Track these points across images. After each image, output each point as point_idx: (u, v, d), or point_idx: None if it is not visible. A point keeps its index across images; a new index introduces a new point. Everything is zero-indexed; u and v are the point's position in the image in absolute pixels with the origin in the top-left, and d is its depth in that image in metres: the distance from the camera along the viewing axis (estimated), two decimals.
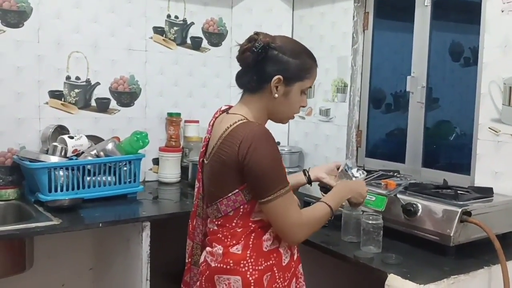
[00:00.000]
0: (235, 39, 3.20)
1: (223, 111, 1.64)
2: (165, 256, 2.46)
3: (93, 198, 2.40)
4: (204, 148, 1.64)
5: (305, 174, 1.91)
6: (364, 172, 1.90)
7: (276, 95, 1.52)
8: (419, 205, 1.85)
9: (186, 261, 1.73)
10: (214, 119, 1.64)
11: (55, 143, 2.43)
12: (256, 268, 1.48)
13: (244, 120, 1.50)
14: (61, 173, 2.32)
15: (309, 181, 1.91)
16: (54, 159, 2.35)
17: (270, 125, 1.59)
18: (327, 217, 1.58)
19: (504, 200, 1.96)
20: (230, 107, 1.64)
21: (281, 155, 1.53)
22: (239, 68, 1.59)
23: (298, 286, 1.61)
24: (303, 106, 1.64)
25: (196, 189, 1.70)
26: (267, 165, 1.43)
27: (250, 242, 1.50)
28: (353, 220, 1.93)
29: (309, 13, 3.09)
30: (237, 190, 1.48)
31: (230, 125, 1.48)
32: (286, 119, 1.63)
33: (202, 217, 1.69)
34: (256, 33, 1.54)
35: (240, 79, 1.59)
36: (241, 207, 1.49)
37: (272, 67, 1.50)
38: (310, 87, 1.61)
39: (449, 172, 2.41)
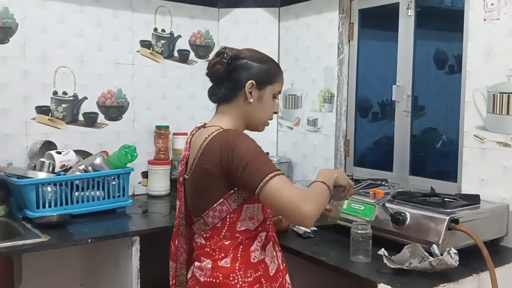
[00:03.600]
0: None
1: (199, 128, 1.66)
2: (156, 270, 2.44)
3: (82, 214, 2.38)
4: (183, 166, 1.64)
5: None
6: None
7: (251, 99, 1.57)
8: (407, 214, 1.86)
9: (170, 283, 1.71)
10: (191, 136, 1.65)
11: (42, 159, 2.41)
12: (246, 280, 1.48)
13: (221, 129, 1.52)
14: (49, 189, 2.31)
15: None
16: (42, 175, 2.34)
17: (257, 136, 1.60)
18: (326, 192, 1.51)
19: (491, 207, 1.98)
20: (205, 124, 1.66)
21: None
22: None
23: None
24: (276, 113, 1.67)
25: (177, 209, 1.69)
26: (249, 157, 1.43)
27: (239, 255, 1.50)
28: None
29: (295, 25, 3.11)
30: (221, 200, 1.49)
31: (208, 135, 1.50)
32: (262, 126, 1.66)
33: (184, 236, 1.67)
34: (224, 48, 1.61)
35: (213, 93, 1.63)
36: (228, 216, 1.50)
37: (243, 73, 1.57)
38: (280, 92, 1.67)
39: (436, 179, 2.43)
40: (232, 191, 1.49)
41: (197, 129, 1.66)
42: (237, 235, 1.52)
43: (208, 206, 1.51)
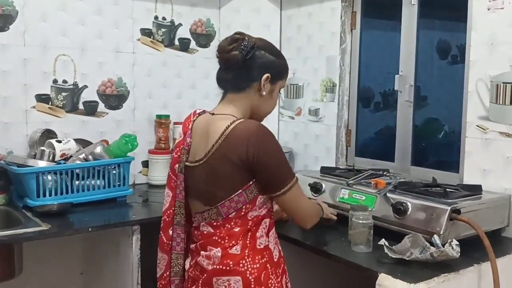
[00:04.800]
0: None
1: (199, 114, 1.64)
2: (156, 259, 2.44)
3: (82, 202, 2.38)
4: (179, 153, 1.61)
5: None
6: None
7: (264, 92, 1.58)
8: (409, 204, 1.86)
9: (163, 275, 1.67)
10: (191, 122, 1.63)
11: (42, 148, 2.41)
12: (254, 266, 1.50)
13: (240, 120, 1.51)
14: (49, 177, 2.30)
15: None
16: (42, 163, 2.33)
17: None
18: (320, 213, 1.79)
19: (493, 197, 1.98)
20: (204, 111, 1.64)
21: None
22: None
23: (287, 281, 1.63)
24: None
25: (169, 198, 1.65)
26: (277, 160, 1.51)
27: (247, 241, 1.52)
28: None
29: (297, 13, 3.09)
30: (240, 191, 1.49)
31: (230, 124, 1.48)
32: (264, 118, 1.68)
33: (183, 225, 1.64)
34: (240, 33, 1.58)
35: (224, 79, 1.60)
36: (243, 207, 1.51)
37: (261, 65, 1.56)
38: (284, 86, 1.70)
39: (438, 170, 2.42)
40: (251, 182, 1.50)
41: (197, 115, 1.64)
42: (248, 221, 1.52)
43: (226, 196, 1.50)
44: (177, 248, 1.65)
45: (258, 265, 1.50)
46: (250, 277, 1.48)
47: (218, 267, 1.49)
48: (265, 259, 1.53)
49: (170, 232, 1.65)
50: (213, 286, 1.50)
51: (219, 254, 1.50)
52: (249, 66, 1.55)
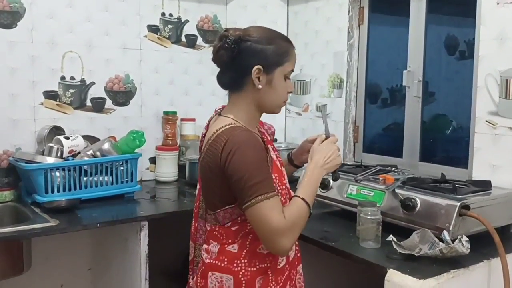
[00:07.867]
0: None
1: (217, 112, 1.60)
2: (164, 255, 2.46)
3: (90, 199, 2.39)
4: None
5: (290, 162, 1.83)
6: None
7: (260, 86, 1.48)
8: (418, 200, 1.85)
9: (193, 260, 1.70)
10: (210, 120, 1.62)
11: (50, 144, 2.42)
12: (249, 269, 1.46)
13: (230, 125, 1.45)
14: (57, 174, 2.31)
15: (296, 166, 1.83)
16: (50, 160, 2.34)
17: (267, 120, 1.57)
18: (307, 214, 1.46)
19: (503, 193, 1.96)
20: (223, 106, 1.60)
21: (273, 160, 1.51)
22: None
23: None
24: (290, 92, 1.57)
25: (198, 190, 1.67)
26: (244, 171, 1.36)
27: (247, 243, 1.47)
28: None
29: (304, 9, 3.07)
30: (233, 205, 1.45)
31: (217, 130, 1.45)
32: (277, 108, 1.57)
33: (204, 218, 1.61)
34: (226, 30, 1.51)
35: (221, 80, 1.55)
36: (238, 218, 1.47)
37: (249, 59, 1.46)
38: (293, 70, 1.55)
39: (447, 166, 2.41)
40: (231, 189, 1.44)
41: (216, 112, 1.61)
42: (248, 226, 1.47)
43: (221, 205, 1.47)
44: (200, 240, 1.65)
45: (254, 269, 1.46)
46: (242, 279, 1.44)
47: (214, 261, 1.48)
48: (265, 264, 1.47)
49: (196, 224, 1.67)
50: (208, 279, 1.48)
51: (216, 249, 1.48)
52: (238, 63, 1.47)
